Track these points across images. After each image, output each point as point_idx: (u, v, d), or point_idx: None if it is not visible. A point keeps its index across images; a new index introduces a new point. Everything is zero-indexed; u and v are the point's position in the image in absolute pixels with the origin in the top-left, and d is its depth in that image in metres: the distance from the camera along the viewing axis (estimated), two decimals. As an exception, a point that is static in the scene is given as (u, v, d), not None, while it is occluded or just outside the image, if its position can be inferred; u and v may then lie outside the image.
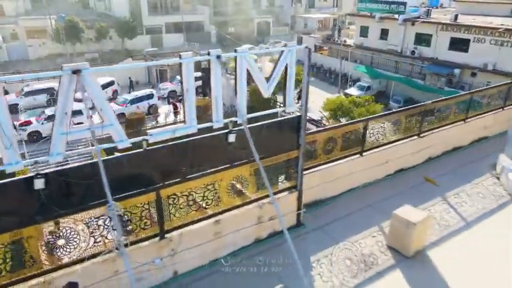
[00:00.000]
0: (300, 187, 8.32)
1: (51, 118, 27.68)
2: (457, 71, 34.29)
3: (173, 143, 6.37)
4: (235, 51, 6.48)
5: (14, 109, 30.34)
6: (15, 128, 6.37)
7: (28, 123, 27.53)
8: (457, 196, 10.02)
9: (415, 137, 11.11)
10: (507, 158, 11.06)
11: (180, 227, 6.96)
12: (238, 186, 7.84)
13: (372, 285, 7.16)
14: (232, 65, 35.72)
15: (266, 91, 7.06)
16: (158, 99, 32.55)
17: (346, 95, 36.51)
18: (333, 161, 9.46)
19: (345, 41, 44.75)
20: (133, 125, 27.58)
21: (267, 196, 7.99)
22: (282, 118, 7.64)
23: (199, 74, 35.90)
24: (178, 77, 35.81)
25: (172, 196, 6.67)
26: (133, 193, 6.20)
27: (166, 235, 6.84)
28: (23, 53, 45.48)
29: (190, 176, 6.73)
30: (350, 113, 26.07)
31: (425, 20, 36.55)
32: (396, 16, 38.49)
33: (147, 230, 6.62)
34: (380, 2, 39.83)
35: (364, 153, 10.02)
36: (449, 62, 35.02)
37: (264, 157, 7.60)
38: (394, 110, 10.68)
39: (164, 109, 32.05)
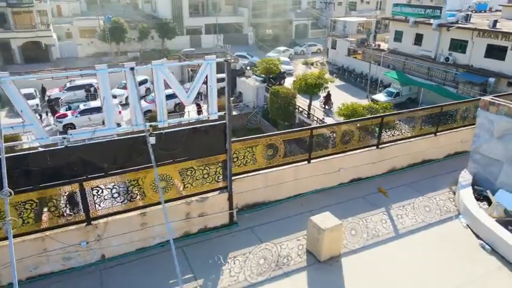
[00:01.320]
0: (230, 189, 8.97)
1: (84, 112, 30.30)
2: (491, 79, 32.56)
3: (93, 142, 7.35)
4: (151, 63, 7.33)
5: (57, 102, 33.56)
6: None
7: (64, 115, 30.22)
8: (401, 208, 10.13)
9: (373, 147, 11.29)
10: (467, 174, 10.92)
11: (106, 215, 7.93)
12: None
13: (274, 284, 7.69)
14: (260, 68, 36.42)
15: (186, 100, 7.86)
16: (185, 98, 34.04)
17: (373, 100, 35.97)
18: (276, 166, 9.97)
19: (379, 46, 43.83)
20: (155, 121, 29.39)
21: (196, 194, 8.77)
22: (207, 124, 8.33)
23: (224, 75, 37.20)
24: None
25: (96, 188, 7.66)
26: (57, 183, 7.25)
27: (92, 222, 7.85)
28: (73, 51, 49.48)
29: (112, 172, 7.67)
30: (364, 119, 25.86)
31: (460, 25, 34.99)
32: (431, 21, 37.14)
33: (73, 216, 7.65)
34: (415, 6, 38.60)
35: (312, 161, 10.42)
36: (484, 70, 33.32)
37: (191, 158, 8.43)
38: (345, 120, 10.91)
39: (190, 107, 33.54)
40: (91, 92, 35.62)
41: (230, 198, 9.06)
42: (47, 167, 7.12)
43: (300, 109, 31.65)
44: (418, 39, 39.32)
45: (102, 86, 7.01)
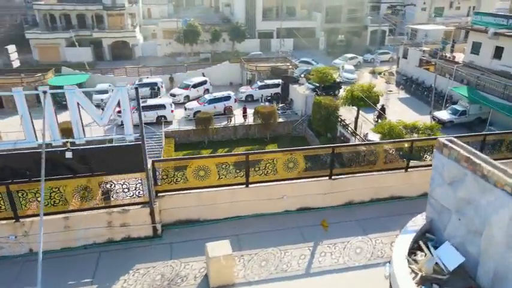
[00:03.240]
0: (151, 204, 9.53)
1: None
2: None
3: (16, 152, 8.51)
4: (63, 88, 8.22)
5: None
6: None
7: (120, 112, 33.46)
8: (330, 246, 9.67)
9: (325, 178, 10.85)
10: (422, 218, 9.92)
11: (32, 215, 9.09)
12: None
13: (155, 302, 8.09)
14: (313, 76, 35.88)
15: (100, 121, 8.62)
16: (235, 101, 35.07)
17: (434, 118, 33.29)
18: (210, 187, 10.24)
19: (453, 57, 39.99)
20: (201, 122, 31.12)
21: (118, 206, 9.50)
22: (121, 144, 8.99)
23: (279, 81, 37.47)
24: (258, 82, 37.97)
25: (21, 191, 8.84)
26: (-14, 184, 8.58)
27: (20, 219, 9.07)
28: (153, 51, 54.07)
29: (34, 179, 8.77)
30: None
31: (546, 39, 30.39)
32: (514, 33, 32.88)
33: (3, 213, 8.94)
34: (497, 16, 34.47)
35: (250, 185, 10.45)
36: None
37: (109, 173, 9.19)
38: (287, 149, 10.65)
39: (237, 111, 34.52)
40: (154, 90, 38.76)
41: (152, 213, 9.63)
42: (-20, 169, 8.47)
43: (343, 122, 30.52)
44: (498, 52, 35.09)
45: (19, 106, 8.08)
